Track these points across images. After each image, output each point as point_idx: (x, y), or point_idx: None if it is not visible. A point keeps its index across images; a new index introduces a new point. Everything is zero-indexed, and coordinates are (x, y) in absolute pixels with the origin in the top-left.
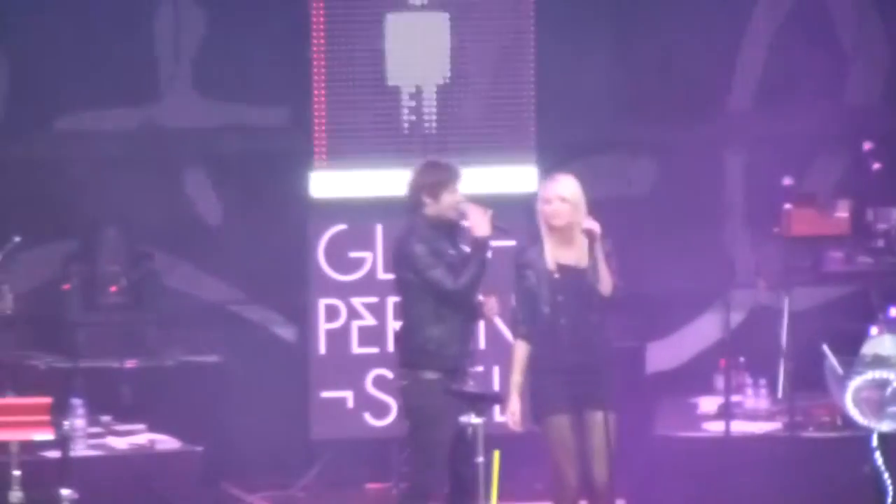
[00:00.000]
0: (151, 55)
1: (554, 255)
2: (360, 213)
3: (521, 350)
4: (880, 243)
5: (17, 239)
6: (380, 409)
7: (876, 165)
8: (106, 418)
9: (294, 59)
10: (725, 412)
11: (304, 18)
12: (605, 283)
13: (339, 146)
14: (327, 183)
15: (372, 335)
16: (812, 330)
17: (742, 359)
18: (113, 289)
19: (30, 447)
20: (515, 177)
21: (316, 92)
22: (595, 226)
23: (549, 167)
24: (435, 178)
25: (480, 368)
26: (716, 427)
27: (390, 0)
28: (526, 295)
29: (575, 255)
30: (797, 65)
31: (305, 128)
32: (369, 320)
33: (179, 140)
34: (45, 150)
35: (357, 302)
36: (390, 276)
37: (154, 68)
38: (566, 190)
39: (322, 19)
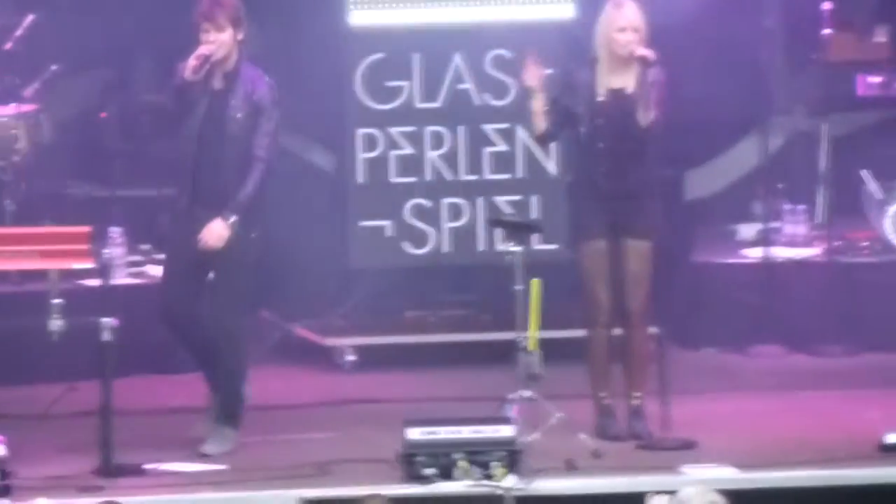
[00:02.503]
0: None
1: (605, 79)
2: (396, 41)
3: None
4: None
5: (54, 67)
6: (418, 238)
7: None
8: (145, 247)
9: None
10: (764, 238)
11: None
12: (648, 111)
13: None
14: (364, 10)
15: (410, 164)
16: (851, 156)
17: (780, 185)
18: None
19: (69, 276)
20: (552, 2)
21: None
22: (650, 53)
23: None
24: None
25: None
26: (754, 253)
27: None
28: (559, 110)
29: (623, 80)
30: None
31: None
32: (407, 149)
33: None
34: None
35: (394, 131)
36: (427, 105)
37: None
38: (638, 19)
39: None
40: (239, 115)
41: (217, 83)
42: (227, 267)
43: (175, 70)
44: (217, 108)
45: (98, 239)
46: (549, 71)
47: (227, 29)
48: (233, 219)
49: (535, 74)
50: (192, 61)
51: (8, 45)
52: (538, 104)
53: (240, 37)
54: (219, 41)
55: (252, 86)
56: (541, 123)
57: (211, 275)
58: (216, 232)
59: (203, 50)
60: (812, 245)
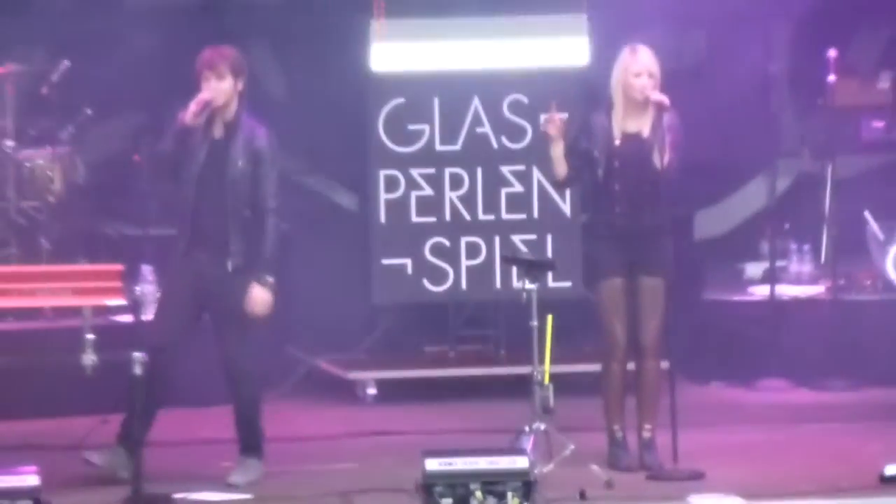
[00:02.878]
0: None
1: (622, 123)
2: (418, 86)
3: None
4: None
5: (88, 111)
6: (438, 276)
7: None
8: None
9: None
10: (771, 276)
11: None
12: (663, 154)
13: (396, 19)
14: (386, 56)
15: (430, 204)
16: (854, 197)
17: (787, 225)
18: None
19: (102, 312)
20: (567, 49)
21: None
22: (664, 99)
23: (602, 41)
24: None
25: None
26: (761, 291)
27: None
28: (578, 154)
29: (639, 124)
30: None
31: (366, 3)
32: (427, 190)
33: (244, 15)
34: (116, 26)
35: (415, 172)
36: (447, 148)
37: None
38: (653, 64)
39: None
40: (240, 163)
41: (217, 132)
42: (237, 312)
43: (175, 116)
44: (217, 156)
45: (129, 277)
46: (565, 115)
47: (227, 78)
48: (270, 280)
49: (556, 125)
50: (192, 107)
51: (44, 90)
52: (558, 151)
53: (240, 87)
54: (219, 89)
55: (251, 134)
56: (561, 169)
57: (206, 316)
58: (260, 298)
59: (204, 96)
60: (817, 283)
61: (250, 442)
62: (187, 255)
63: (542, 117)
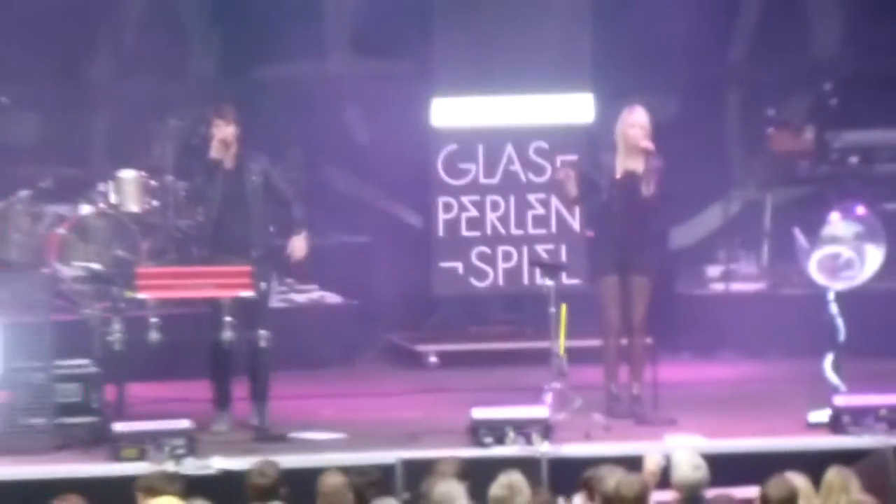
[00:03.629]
0: (321, 22)
1: (622, 163)
2: (466, 136)
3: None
4: (834, 157)
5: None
6: (481, 275)
7: (832, 101)
8: (289, 280)
9: (420, 20)
10: (725, 276)
11: None
12: (649, 187)
13: (451, 86)
14: (443, 114)
15: (475, 222)
16: (787, 218)
17: (737, 239)
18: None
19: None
20: (577, 108)
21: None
22: (651, 146)
23: (605, 100)
24: None
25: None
26: (718, 286)
27: None
28: (587, 183)
29: (634, 164)
30: (779, 28)
31: (428, 73)
32: (473, 212)
33: (340, 85)
34: (246, 93)
35: (465, 199)
36: (488, 181)
37: (322, 31)
38: (646, 119)
39: None
40: (254, 178)
41: (228, 163)
42: (261, 295)
43: (202, 157)
44: (234, 178)
45: (263, 274)
46: (575, 158)
47: (232, 124)
48: (305, 232)
49: (571, 184)
50: (216, 144)
51: (195, 140)
52: (571, 186)
53: (239, 131)
54: (228, 132)
55: (256, 159)
56: (573, 191)
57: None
58: (299, 245)
59: (223, 136)
60: (759, 281)
61: (264, 394)
62: (212, 259)
63: (554, 169)
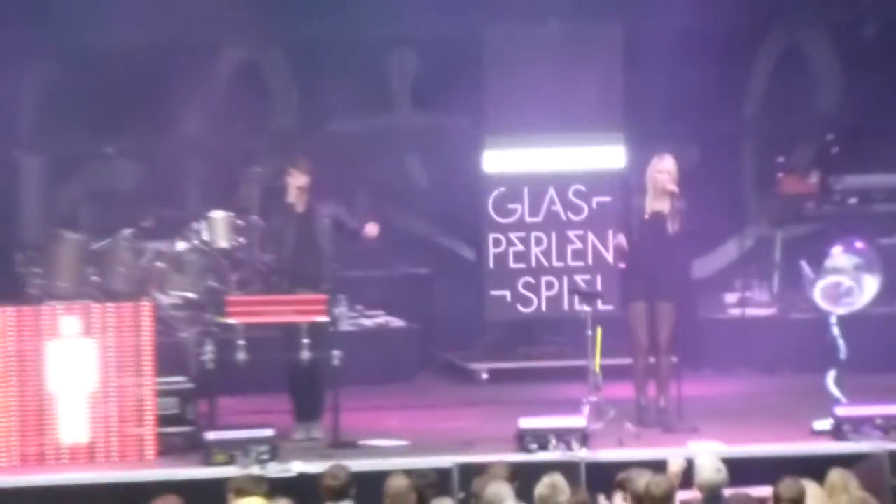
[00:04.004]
0: (385, 82)
1: (650, 204)
2: (514, 180)
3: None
4: (836, 198)
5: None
6: (527, 302)
7: (834, 149)
8: (359, 307)
9: (472, 79)
10: (741, 302)
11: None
12: (675, 225)
13: (500, 136)
14: (493, 162)
15: (521, 256)
16: (795, 252)
17: (751, 269)
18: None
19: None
20: (610, 157)
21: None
22: (676, 189)
23: (635, 148)
24: None
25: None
26: (735, 311)
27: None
28: (624, 225)
29: (661, 205)
30: (788, 85)
31: (480, 125)
32: (520, 247)
33: (402, 135)
34: (320, 144)
35: (512, 235)
36: (532, 220)
37: (386, 90)
38: (673, 166)
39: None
40: (325, 220)
41: (300, 207)
42: (325, 326)
43: (280, 202)
44: (308, 221)
45: (332, 303)
46: (609, 199)
47: (305, 174)
48: (378, 230)
49: (621, 252)
50: (292, 191)
51: (277, 184)
52: (621, 246)
53: (310, 180)
54: (303, 181)
55: (324, 204)
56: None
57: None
58: (373, 226)
59: (298, 184)
60: (771, 307)
61: (317, 412)
62: (291, 291)
63: (616, 241)
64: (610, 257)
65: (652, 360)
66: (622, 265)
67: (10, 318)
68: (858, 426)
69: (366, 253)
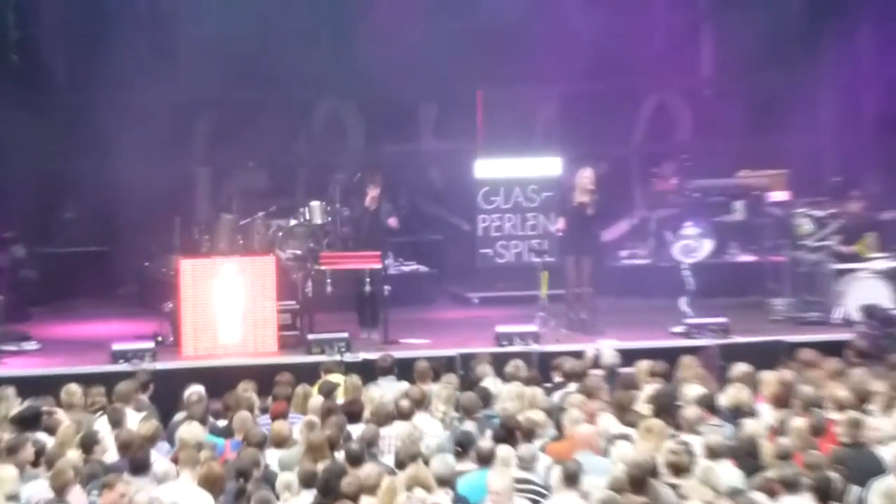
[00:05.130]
0: (418, 121)
1: (577, 197)
2: (494, 182)
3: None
4: (687, 193)
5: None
6: (503, 256)
7: (687, 164)
8: (400, 259)
9: (469, 121)
10: (631, 256)
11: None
12: (592, 210)
13: (485, 155)
14: (484, 168)
15: (498, 228)
16: (663, 226)
17: (637, 236)
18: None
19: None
20: (549, 165)
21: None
22: (593, 188)
23: (569, 162)
24: None
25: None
26: (627, 262)
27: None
28: (561, 210)
29: (583, 198)
30: (658, 123)
31: (473, 148)
32: (498, 223)
33: (427, 155)
34: (380, 159)
35: (493, 216)
36: (506, 206)
37: (418, 126)
38: (591, 174)
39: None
40: (384, 214)
41: (372, 206)
42: (378, 274)
43: (360, 202)
44: (376, 214)
45: (383, 257)
46: (552, 193)
47: (380, 186)
48: (397, 223)
49: (560, 227)
50: (369, 199)
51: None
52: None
53: (381, 187)
54: (377, 191)
55: (387, 201)
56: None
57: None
58: (395, 220)
59: (374, 193)
60: (649, 259)
61: (374, 322)
62: (359, 251)
63: (556, 224)
64: (553, 229)
65: (577, 290)
66: (560, 233)
67: (194, 265)
68: (699, 329)
69: (407, 227)
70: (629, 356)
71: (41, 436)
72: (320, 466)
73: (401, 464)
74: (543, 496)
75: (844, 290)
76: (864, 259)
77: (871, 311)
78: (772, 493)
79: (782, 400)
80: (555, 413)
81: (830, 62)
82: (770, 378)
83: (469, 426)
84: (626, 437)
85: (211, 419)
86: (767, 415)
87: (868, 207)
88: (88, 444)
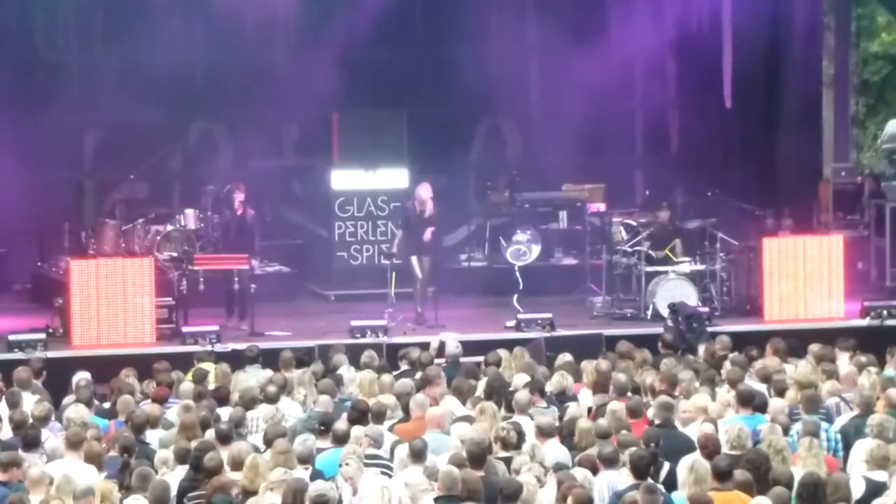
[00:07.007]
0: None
1: (419, 205)
2: (349, 192)
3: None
4: (518, 204)
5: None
6: (356, 258)
7: (518, 179)
8: (265, 261)
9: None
10: (469, 259)
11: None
12: (432, 218)
13: (340, 169)
14: (340, 181)
15: (353, 234)
16: (497, 232)
17: (474, 241)
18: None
19: None
20: (397, 179)
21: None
22: (430, 197)
23: (414, 174)
24: None
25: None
26: (465, 264)
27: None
28: (404, 217)
29: (424, 207)
30: (491, 144)
31: (329, 164)
32: (352, 229)
33: (289, 172)
34: (246, 176)
35: (348, 223)
36: (359, 214)
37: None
38: (428, 187)
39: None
40: (251, 219)
41: (239, 211)
42: (246, 274)
43: (230, 206)
44: (242, 218)
45: (251, 259)
46: (399, 203)
47: (243, 193)
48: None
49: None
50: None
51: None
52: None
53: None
54: (242, 196)
55: (251, 209)
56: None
57: None
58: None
59: (241, 198)
60: (483, 261)
61: (242, 316)
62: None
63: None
64: (399, 235)
65: (420, 287)
66: (400, 237)
67: (82, 265)
68: (529, 324)
69: (271, 232)
70: (469, 347)
71: None
72: (193, 444)
73: (269, 442)
74: (391, 469)
75: (654, 289)
76: (671, 263)
77: (677, 309)
78: (594, 469)
79: (600, 386)
80: (402, 398)
81: (640, 95)
82: (589, 367)
83: (326, 408)
84: (467, 419)
85: (97, 402)
86: (587, 399)
87: (674, 217)
88: None
